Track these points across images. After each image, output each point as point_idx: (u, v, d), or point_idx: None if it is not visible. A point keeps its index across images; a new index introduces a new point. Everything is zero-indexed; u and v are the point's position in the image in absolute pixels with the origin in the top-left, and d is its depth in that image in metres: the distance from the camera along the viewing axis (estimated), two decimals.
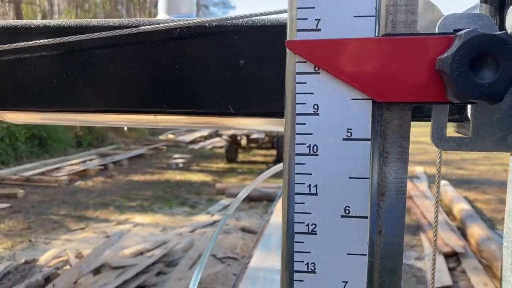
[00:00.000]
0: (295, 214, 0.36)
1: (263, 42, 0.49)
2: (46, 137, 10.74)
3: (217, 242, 4.54)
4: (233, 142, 10.09)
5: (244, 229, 5.16)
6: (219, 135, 11.25)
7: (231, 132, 10.16)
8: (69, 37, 0.50)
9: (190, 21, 0.49)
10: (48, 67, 0.54)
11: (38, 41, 0.51)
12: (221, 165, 10.05)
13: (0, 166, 8.96)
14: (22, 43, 0.51)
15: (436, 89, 0.33)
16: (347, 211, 0.36)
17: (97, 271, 3.78)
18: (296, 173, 0.36)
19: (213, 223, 5.49)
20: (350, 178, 0.35)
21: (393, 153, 0.36)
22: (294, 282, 0.37)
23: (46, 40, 0.51)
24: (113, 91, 0.54)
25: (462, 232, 4.93)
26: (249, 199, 6.37)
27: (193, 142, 13.21)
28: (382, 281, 0.37)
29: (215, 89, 0.51)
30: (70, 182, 8.11)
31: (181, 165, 10.08)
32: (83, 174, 8.64)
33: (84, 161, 9.68)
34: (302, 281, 0.37)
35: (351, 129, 0.35)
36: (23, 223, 5.80)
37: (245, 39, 0.49)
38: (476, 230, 4.66)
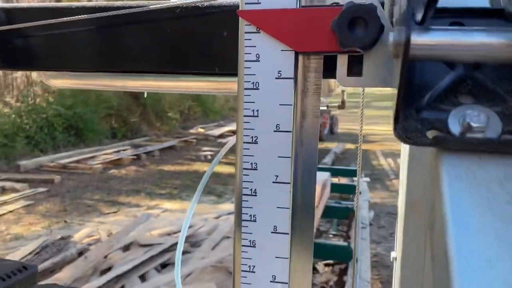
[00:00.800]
0: (244, 129, 0.53)
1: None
2: (82, 127, 11.22)
3: None
4: None
5: None
6: None
7: None
8: (97, 13, 0.69)
9: (187, 2, 0.67)
10: (81, 38, 0.73)
11: (73, 17, 0.69)
12: None
13: (39, 153, 9.45)
14: (62, 19, 0.70)
15: (334, 42, 0.49)
16: (277, 127, 0.52)
17: (126, 248, 4.04)
18: (244, 102, 0.53)
19: None
20: (280, 105, 0.52)
21: (311, 89, 0.52)
22: (243, 176, 0.54)
23: (79, 16, 0.69)
24: (131, 55, 0.72)
25: None
26: None
27: (221, 136, 13.47)
28: (302, 177, 0.53)
29: (205, 54, 0.68)
30: (104, 170, 8.49)
31: (209, 157, 10.34)
32: (116, 163, 9.02)
33: (118, 151, 10.08)
34: (248, 175, 0.54)
35: (281, 71, 0.52)
36: (59, 206, 6.16)
37: (228, 16, 0.66)
38: None
